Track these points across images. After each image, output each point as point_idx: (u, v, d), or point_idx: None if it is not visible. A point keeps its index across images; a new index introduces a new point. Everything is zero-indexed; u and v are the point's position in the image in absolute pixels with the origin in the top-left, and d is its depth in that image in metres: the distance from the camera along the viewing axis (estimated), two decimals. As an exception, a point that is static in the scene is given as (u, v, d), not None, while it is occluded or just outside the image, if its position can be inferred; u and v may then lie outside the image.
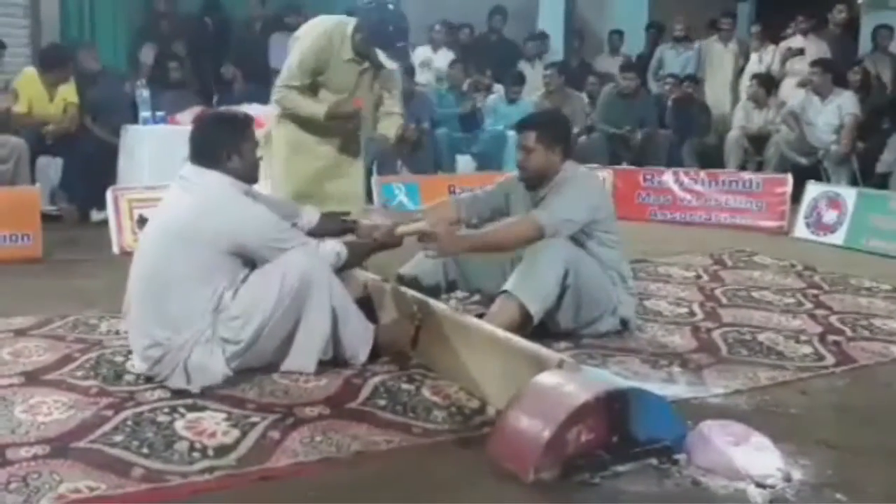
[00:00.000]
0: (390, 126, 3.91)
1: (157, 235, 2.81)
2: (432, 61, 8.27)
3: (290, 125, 3.87)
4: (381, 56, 3.64)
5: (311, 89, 3.78)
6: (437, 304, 3.09)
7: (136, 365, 2.81)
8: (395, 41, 3.64)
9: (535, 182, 3.39)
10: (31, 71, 6.04)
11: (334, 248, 2.95)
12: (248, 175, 2.91)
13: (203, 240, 2.71)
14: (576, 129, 7.72)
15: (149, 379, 2.74)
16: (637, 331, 3.45)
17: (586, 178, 3.46)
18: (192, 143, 2.89)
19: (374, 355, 2.96)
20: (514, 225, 3.29)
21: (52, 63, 5.99)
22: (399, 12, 3.72)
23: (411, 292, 3.21)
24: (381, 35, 3.63)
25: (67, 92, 6.01)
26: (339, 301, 2.87)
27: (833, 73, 7.03)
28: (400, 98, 4.03)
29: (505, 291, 3.13)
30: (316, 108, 3.76)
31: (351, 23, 3.74)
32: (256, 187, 3.04)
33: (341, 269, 2.99)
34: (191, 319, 2.69)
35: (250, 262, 2.80)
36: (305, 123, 3.83)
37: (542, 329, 3.18)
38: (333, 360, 2.90)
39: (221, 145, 2.83)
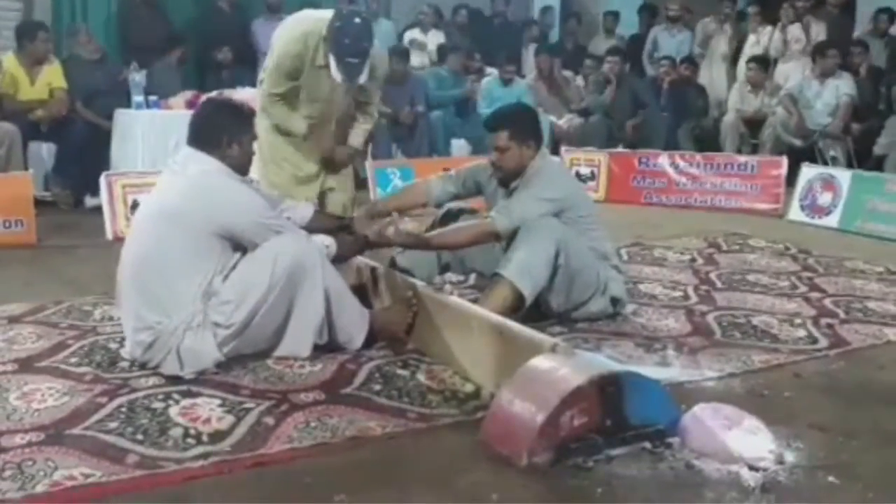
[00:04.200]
0: (357, 136, 3.91)
1: (149, 219, 2.81)
2: (425, 45, 8.24)
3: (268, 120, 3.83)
4: (332, 65, 3.50)
5: (293, 93, 3.70)
6: (431, 289, 3.09)
7: (129, 350, 2.81)
8: (347, 55, 3.48)
9: (511, 178, 3.37)
10: (9, 56, 5.95)
11: (323, 241, 2.96)
12: (243, 166, 2.92)
13: (193, 223, 2.71)
14: (570, 112, 7.77)
15: (143, 365, 2.74)
16: (631, 314, 3.46)
17: (553, 171, 3.42)
18: (194, 126, 2.89)
19: (370, 341, 2.96)
20: (471, 227, 3.31)
21: (23, 37, 5.89)
22: (363, 30, 3.54)
23: (405, 277, 3.21)
24: (335, 44, 3.49)
25: (52, 76, 5.96)
26: (333, 285, 2.86)
27: (837, 55, 7.03)
28: (375, 109, 4.00)
29: (497, 274, 3.14)
30: (297, 126, 3.72)
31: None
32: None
33: (332, 262, 2.98)
34: (181, 303, 2.68)
35: (240, 248, 2.79)
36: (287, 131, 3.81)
37: (535, 312, 3.18)
38: (329, 346, 2.90)
39: (224, 132, 2.83)
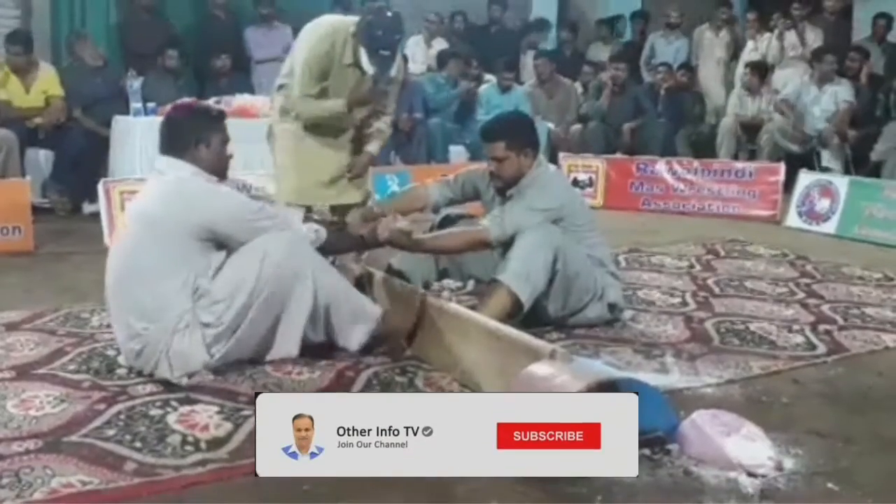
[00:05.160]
0: (374, 143, 3.93)
1: (130, 226, 2.81)
2: (431, 47, 8.27)
3: (294, 124, 3.85)
4: (363, 58, 3.56)
5: (324, 94, 3.73)
6: (429, 295, 3.09)
7: (124, 358, 2.81)
8: (380, 47, 3.54)
9: (509, 187, 3.37)
10: (3, 64, 5.97)
11: (312, 227, 2.94)
12: (216, 168, 2.88)
13: (170, 227, 2.69)
14: (568, 118, 7.78)
15: (140, 372, 2.74)
16: (629, 321, 3.46)
17: (548, 181, 3.39)
18: (162, 134, 2.89)
19: (371, 345, 2.93)
20: (464, 234, 3.32)
21: (10, 46, 5.91)
22: (395, 22, 3.62)
23: (403, 283, 3.21)
24: (367, 37, 3.55)
25: (47, 83, 5.97)
26: (328, 282, 2.84)
27: (835, 61, 7.05)
28: (390, 118, 4.02)
29: (495, 279, 3.14)
30: (335, 103, 3.71)
31: (354, 24, 3.66)
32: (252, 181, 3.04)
33: (323, 253, 2.96)
34: (164, 309, 2.67)
35: (224, 248, 2.77)
36: (313, 128, 3.81)
37: (532, 318, 3.18)
38: (327, 346, 2.88)
39: (189, 134, 2.83)
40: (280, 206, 3.31)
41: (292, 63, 3.78)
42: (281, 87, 3.87)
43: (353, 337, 2.91)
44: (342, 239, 3.14)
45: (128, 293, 2.71)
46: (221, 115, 2.99)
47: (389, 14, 3.64)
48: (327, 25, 3.70)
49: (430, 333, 2.94)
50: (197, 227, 2.71)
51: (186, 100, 5.08)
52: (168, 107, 5.88)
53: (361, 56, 3.58)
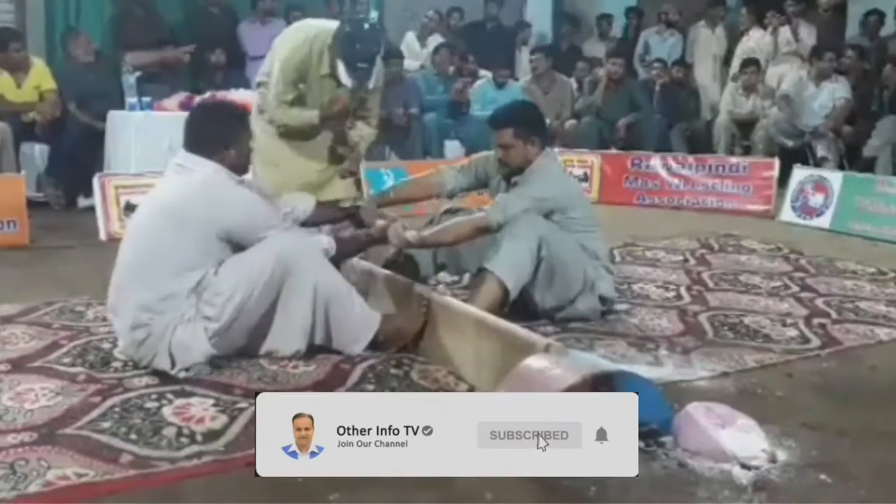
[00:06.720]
0: (362, 145, 3.87)
1: (149, 217, 2.82)
2: (427, 45, 8.26)
3: (270, 124, 3.80)
4: (341, 70, 3.51)
5: (301, 100, 3.68)
6: (425, 289, 3.10)
7: (123, 349, 2.81)
8: (357, 60, 3.50)
9: (515, 174, 3.39)
10: None
11: (321, 242, 2.95)
12: (241, 167, 2.92)
13: (193, 224, 2.71)
14: (564, 114, 7.79)
15: (136, 365, 2.74)
16: (624, 314, 3.47)
17: (551, 171, 3.41)
18: (191, 131, 2.88)
19: (375, 347, 2.91)
20: (465, 224, 3.32)
21: (5, 45, 5.88)
22: (373, 35, 3.60)
23: (407, 280, 3.21)
24: (345, 49, 3.50)
25: (40, 78, 5.95)
26: (328, 282, 2.84)
27: (833, 58, 7.08)
28: (375, 120, 3.95)
29: (482, 269, 3.16)
30: (308, 115, 3.68)
31: (332, 34, 3.59)
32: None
33: (334, 262, 2.96)
34: (175, 300, 2.68)
35: (239, 249, 2.79)
36: (293, 134, 3.76)
37: (521, 309, 3.19)
38: (327, 347, 2.88)
39: (221, 136, 2.84)
40: (295, 196, 3.26)
41: (271, 63, 3.72)
42: (259, 84, 3.82)
43: (353, 344, 2.89)
44: (349, 244, 3.15)
45: (142, 282, 2.70)
46: (246, 113, 3.01)
47: (367, 26, 3.62)
48: (307, 31, 3.64)
49: (426, 327, 2.94)
50: (216, 227, 2.73)
51: (209, 96, 5.11)
52: (164, 102, 5.98)
53: (339, 67, 3.52)
